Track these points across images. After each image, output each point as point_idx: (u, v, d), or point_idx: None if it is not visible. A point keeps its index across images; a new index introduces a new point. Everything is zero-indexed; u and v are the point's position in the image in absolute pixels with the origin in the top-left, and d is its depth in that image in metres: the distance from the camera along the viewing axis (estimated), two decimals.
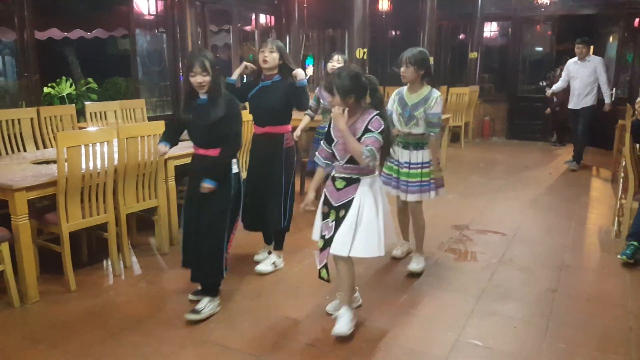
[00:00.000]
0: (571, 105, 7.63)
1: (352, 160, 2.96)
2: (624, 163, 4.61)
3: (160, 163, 4.13)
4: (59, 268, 3.64)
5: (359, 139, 2.90)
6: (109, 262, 4.00)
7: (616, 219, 4.78)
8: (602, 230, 4.97)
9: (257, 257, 4.13)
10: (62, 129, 5.18)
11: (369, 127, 2.90)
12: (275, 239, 4.09)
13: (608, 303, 3.53)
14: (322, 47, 11.59)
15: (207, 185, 3.14)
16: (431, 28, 8.28)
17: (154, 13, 7.18)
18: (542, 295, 3.62)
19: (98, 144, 3.62)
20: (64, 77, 6.53)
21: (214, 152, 3.19)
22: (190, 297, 3.48)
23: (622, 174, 4.80)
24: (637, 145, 4.51)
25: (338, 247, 2.98)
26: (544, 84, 9.44)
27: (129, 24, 6.98)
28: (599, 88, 7.43)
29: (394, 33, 12.34)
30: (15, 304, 3.38)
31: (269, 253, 4.11)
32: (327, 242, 3.03)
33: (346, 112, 2.90)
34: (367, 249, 2.99)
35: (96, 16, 9.12)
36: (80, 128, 5.31)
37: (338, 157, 3.03)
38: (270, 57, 3.72)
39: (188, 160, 4.49)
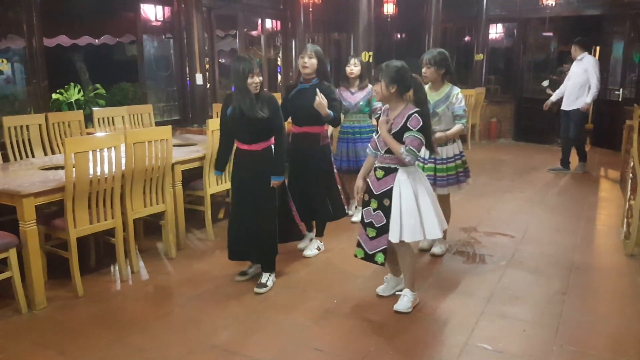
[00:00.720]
0: (563, 105, 7.50)
1: (390, 151, 3.19)
2: (632, 164, 4.57)
3: (167, 168, 4.14)
4: (67, 274, 3.65)
5: (398, 133, 3.14)
6: (117, 268, 4.00)
7: (625, 219, 4.74)
8: (611, 231, 4.93)
9: (306, 253, 4.37)
10: (70, 135, 5.21)
11: (408, 124, 3.12)
12: (317, 227, 4.44)
13: (619, 304, 3.50)
14: (327, 50, 11.61)
15: (276, 181, 3.64)
16: (436, 30, 8.27)
17: (161, 19, 7.22)
18: (552, 297, 3.59)
19: (105, 150, 3.63)
20: (72, 83, 6.55)
21: (262, 145, 3.60)
22: (238, 278, 3.86)
23: (631, 175, 4.76)
24: None
25: (391, 235, 3.20)
26: (546, 84, 9.35)
27: (136, 30, 7.03)
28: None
29: (399, 36, 12.33)
30: (23, 310, 3.38)
31: (318, 249, 4.41)
32: (382, 230, 3.25)
33: (388, 115, 3.21)
34: (412, 234, 3.20)
35: (104, 23, 9.18)
36: (88, 134, 5.33)
37: (379, 147, 3.26)
38: (309, 62, 4.01)
39: (195, 165, 4.54)
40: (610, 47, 9.71)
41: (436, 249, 4.33)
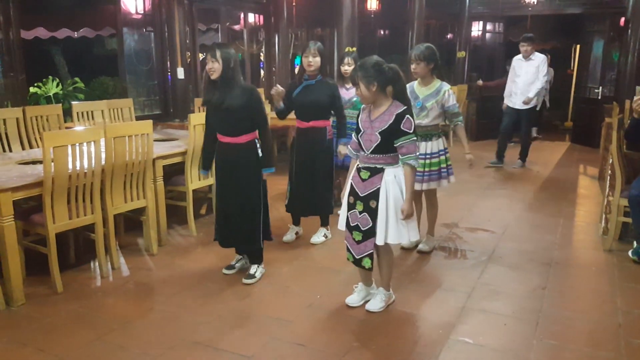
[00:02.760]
0: (511, 103, 7.56)
1: (376, 150, 3.08)
2: (610, 161, 4.65)
3: (148, 163, 4.10)
4: (46, 270, 3.59)
5: (386, 131, 3.02)
6: (97, 264, 3.95)
7: (604, 216, 4.82)
8: (589, 227, 5.01)
9: (285, 238, 4.55)
10: (48, 129, 5.13)
11: (402, 127, 3.01)
12: (321, 217, 4.59)
13: (597, 299, 3.55)
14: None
15: (268, 173, 3.67)
16: (420, 27, 8.31)
17: (142, 12, 7.14)
18: (532, 292, 3.64)
19: (85, 144, 3.57)
20: (50, 77, 6.45)
21: (245, 138, 3.57)
22: (225, 271, 3.89)
23: (609, 172, 4.84)
24: (624, 144, 4.54)
25: (378, 237, 3.13)
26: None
27: (117, 22, 6.94)
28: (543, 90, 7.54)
29: (382, 32, 12.35)
30: (1, 307, 3.33)
31: (325, 237, 4.58)
32: (368, 233, 3.15)
33: (370, 116, 3.12)
34: (399, 236, 3.15)
35: (83, 15, 9.04)
36: (67, 128, 5.25)
37: (364, 147, 3.13)
38: (314, 60, 4.17)
39: (176, 160, 4.50)
40: (590, 46, 9.86)
41: (424, 247, 4.34)
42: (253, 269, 3.79)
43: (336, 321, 3.23)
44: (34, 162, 3.95)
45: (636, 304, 3.45)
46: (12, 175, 3.50)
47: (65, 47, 9.69)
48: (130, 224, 4.60)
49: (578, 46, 11.23)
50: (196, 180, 4.68)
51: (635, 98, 4.05)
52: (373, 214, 3.12)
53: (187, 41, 7.41)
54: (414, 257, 4.26)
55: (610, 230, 4.42)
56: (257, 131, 3.64)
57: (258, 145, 3.65)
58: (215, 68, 3.43)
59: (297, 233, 4.61)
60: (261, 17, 9.36)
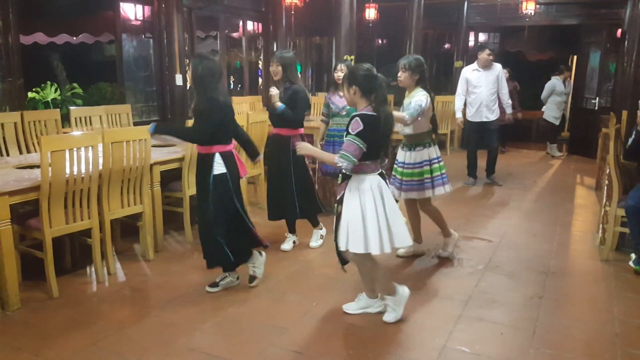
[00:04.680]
0: (475, 117, 6.94)
1: None
2: (607, 171, 4.66)
3: (145, 168, 4.09)
4: (42, 275, 3.57)
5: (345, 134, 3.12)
6: (93, 269, 3.93)
7: (600, 225, 4.83)
8: (586, 236, 5.02)
9: (283, 247, 4.53)
10: (46, 134, 5.11)
11: (349, 128, 3.07)
12: (310, 220, 4.62)
13: (594, 308, 3.55)
14: (309, 54, 11.62)
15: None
16: (417, 37, 8.35)
17: (141, 18, 7.16)
18: (529, 300, 3.64)
19: (83, 149, 3.57)
20: (48, 82, 6.44)
21: (205, 150, 3.53)
22: (208, 289, 3.73)
23: (606, 182, 4.86)
24: (621, 154, 4.56)
25: (338, 242, 3.17)
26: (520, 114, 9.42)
27: (116, 29, 6.95)
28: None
29: (380, 41, 12.42)
30: None
31: (294, 243, 4.61)
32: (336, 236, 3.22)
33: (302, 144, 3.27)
34: (353, 244, 3.09)
35: (82, 21, 9.04)
36: (65, 133, 5.24)
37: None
38: (276, 70, 4.26)
39: (173, 166, 4.51)
40: (587, 57, 9.91)
41: (441, 252, 4.42)
42: (220, 276, 3.76)
43: (332, 329, 3.22)
44: (31, 167, 3.94)
45: (633, 314, 3.46)
46: (9, 179, 3.49)
47: (64, 53, 9.67)
48: (127, 229, 4.58)
49: (575, 57, 11.28)
50: (193, 186, 4.67)
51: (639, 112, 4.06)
52: (338, 218, 3.20)
53: (186, 48, 7.43)
54: (411, 265, 4.25)
55: (607, 240, 4.43)
56: (215, 146, 3.52)
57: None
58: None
59: (294, 242, 4.60)
60: (260, 25, 9.40)
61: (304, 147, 3.25)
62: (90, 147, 3.61)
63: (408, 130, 4.12)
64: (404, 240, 3.18)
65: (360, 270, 3.34)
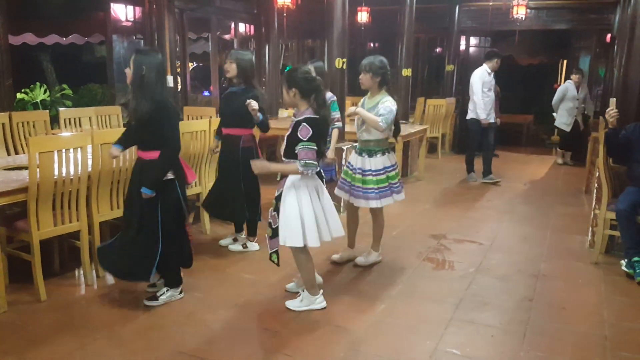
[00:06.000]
0: (492, 118, 7.42)
1: (285, 154, 3.24)
2: (597, 174, 4.69)
3: None
4: (29, 277, 3.53)
5: (290, 136, 3.18)
6: (81, 272, 3.89)
7: (590, 229, 4.85)
8: (576, 240, 5.04)
9: (222, 242, 4.62)
10: (35, 135, 5.06)
11: (299, 134, 3.13)
12: (248, 228, 4.54)
13: (584, 312, 3.56)
14: (301, 57, 11.62)
15: (144, 193, 3.27)
16: (409, 40, 8.35)
17: (132, 19, 7.13)
18: (519, 303, 3.64)
19: (71, 150, 3.54)
20: (38, 83, 6.40)
21: (149, 155, 3.29)
22: (148, 289, 3.65)
23: (596, 185, 4.89)
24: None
25: (280, 237, 3.28)
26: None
27: (106, 30, 6.93)
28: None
29: (372, 45, 12.45)
30: None
31: (234, 240, 4.60)
32: (275, 231, 3.31)
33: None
34: (290, 239, 3.23)
35: (72, 22, 8.98)
36: (54, 134, 5.19)
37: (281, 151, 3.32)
38: (229, 67, 4.17)
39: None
40: (577, 62, 10.01)
41: (361, 260, 4.21)
42: (160, 290, 3.53)
43: (323, 331, 3.21)
44: (19, 168, 3.89)
45: (623, 317, 3.47)
46: None
47: (54, 54, 9.61)
48: (116, 231, 4.52)
49: (565, 62, 11.38)
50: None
51: (608, 109, 4.09)
52: (278, 214, 3.29)
53: (177, 49, 7.40)
54: (401, 268, 4.24)
55: (597, 243, 4.45)
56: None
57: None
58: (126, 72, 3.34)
59: (234, 239, 4.60)
60: (252, 27, 9.39)
61: (258, 167, 3.27)
62: (79, 149, 3.58)
63: (367, 135, 4.00)
64: (339, 231, 3.40)
65: (299, 264, 3.41)
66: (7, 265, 3.60)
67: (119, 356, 2.89)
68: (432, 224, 5.42)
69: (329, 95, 4.68)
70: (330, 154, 4.36)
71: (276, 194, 3.35)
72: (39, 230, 3.46)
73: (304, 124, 3.11)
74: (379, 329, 3.26)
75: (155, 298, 3.49)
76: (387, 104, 3.89)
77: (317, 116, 3.17)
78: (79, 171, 3.59)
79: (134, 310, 3.47)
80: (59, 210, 3.56)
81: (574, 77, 8.83)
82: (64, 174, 3.49)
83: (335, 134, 4.71)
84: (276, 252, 3.41)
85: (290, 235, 3.23)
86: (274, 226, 3.34)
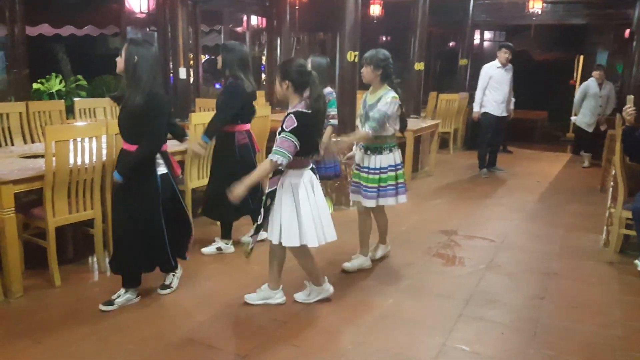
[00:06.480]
0: (497, 112, 7.42)
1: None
2: (613, 172, 4.65)
3: None
4: (44, 263, 3.59)
5: (280, 131, 3.07)
6: (95, 259, 3.95)
7: (605, 227, 4.81)
8: (590, 238, 4.99)
9: (243, 238, 4.45)
10: (50, 124, 5.12)
11: (283, 125, 3.05)
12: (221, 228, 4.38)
13: (595, 311, 3.54)
14: (312, 50, 11.60)
15: (115, 177, 3.22)
16: (422, 34, 8.31)
17: (146, 11, 7.16)
18: (530, 301, 3.63)
19: (87, 139, 3.58)
20: (53, 74, 6.47)
21: (129, 147, 3.21)
22: (160, 291, 3.57)
23: (612, 183, 4.84)
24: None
25: (269, 235, 3.23)
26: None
27: (120, 21, 6.96)
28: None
29: (385, 38, 12.39)
30: None
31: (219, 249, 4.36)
32: (259, 228, 3.26)
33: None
34: (288, 239, 3.16)
35: (88, 13, 9.05)
36: (69, 124, 5.25)
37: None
38: (218, 60, 4.06)
39: (176, 158, 4.46)
40: (593, 57, 9.87)
41: (347, 264, 4.02)
42: (119, 292, 3.38)
43: (331, 324, 3.23)
44: (35, 156, 3.95)
45: (635, 317, 3.45)
46: (13, 168, 3.50)
47: (69, 45, 9.69)
48: None
49: (581, 57, 11.23)
50: (195, 179, 4.68)
51: (625, 107, 4.04)
52: (267, 210, 3.20)
53: (190, 42, 7.41)
54: (410, 263, 4.24)
55: (612, 242, 4.41)
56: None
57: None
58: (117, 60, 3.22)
59: (218, 249, 4.32)
60: (264, 20, 9.39)
61: (235, 194, 3.09)
62: (94, 138, 3.62)
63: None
64: (332, 235, 3.28)
65: (300, 262, 3.38)
66: (23, 251, 3.67)
67: (129, 342, 2.93)
68: (442, 220, 5.41)
69: (327, 90, 4.53)
70: (321, 150, 4.07)
71: (267, 191, 3.20)
72: (54, 217, 3.51)
73: (291, 115, 3.04)
74: (386, 323, 3.27)
75: (110, 302, 3.31)
76: (384, 102, 3.72)
77: (308, 111, 3.07)
78: (94, 160, 3.63)
79: (145, 298, 3.51)
80: (74, 198, 3.61)
81: (596, 73, 8.30)
82: (79, 163, 3.54)
83: (328, 131, 4.52)
84: (253, 247, 3.33)
85: (287, 235, 3.15)
86: (259, 222, 3.25)
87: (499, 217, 5.69)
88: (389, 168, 3.87)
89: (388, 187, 3.88)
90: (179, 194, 3.45)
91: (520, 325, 3.28)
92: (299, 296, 3.49)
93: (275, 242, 3.21)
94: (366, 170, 3.89)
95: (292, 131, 3.00)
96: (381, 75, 3.78)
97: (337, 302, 3.48)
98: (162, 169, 3.28)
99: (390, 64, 3.81)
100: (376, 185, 3.86)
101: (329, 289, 3.49)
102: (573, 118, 8.54)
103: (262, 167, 3.11)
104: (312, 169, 3.26)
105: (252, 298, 3.44)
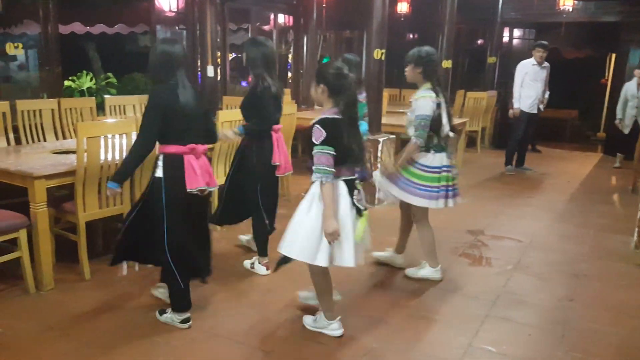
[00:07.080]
0: (529, 109, 7.40)
1: (311, 159, 2.85)
2: None
3: None
4: (75, 257, 3.67)
5: (310, 141, 2.81)
6: None
7: (636, 229, 4.70)
8: (620, 240, 4.88)
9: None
10: (81, 121, 5.23)
11: (313, 138, 2.78)
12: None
13: (626, 314, 3.46)
14: (339, 48, 11.59)
15: (108, 187, 3.07)
16: (450, 32, 8.22)
17: (175, 10, 7.25)
18: (558, 303, 3.57)
19: (117, 136, 3.64)
20: (84, 71, 6.61)
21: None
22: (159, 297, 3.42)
23: None
24: None
25: (282, 245, 2.93)
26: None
27: (150, 20, 7.06)
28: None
29: (412, 36, 12.29)
30: (31, 290, 3.41)
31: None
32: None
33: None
34: (302, 253, 2.87)
35: (118, 12, 9.22)
36: (100, 121, 5.35)
37: None
38: (244, 56, 3.83)
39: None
40: (626, 56, 9.62)
41: (410, 270, 3.88)
42: (166, 312, 3.18)
43: (355, 321, 3.22)
44: (67, 152, 4.03)
45: None
46: (46, 163, 3.58)
47: (100, 43, 9.89)
48: None
49: (613, 55, 10.95)
50: (222, 175, 4.71)
51: None
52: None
53: (218, 40, 7.48)
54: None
55: None
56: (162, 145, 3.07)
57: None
58: None
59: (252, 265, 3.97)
60: (291, 18, 9.41)
61: (332, 230, 2.76)
62: (124, 135, 3.68)
63: (411, 132, 3.64)
64: (348, 260, 2.85)
65: (314, 281, 3.04)
66: (54, 245, 3.76)
67: (156, 335, 2.98)
68: (469, 219, 5.35)
69: (362, 95, 4.36)
70: (388, 167, 3.77)
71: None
72: (85, 212, 3.58)
73: (316, 126, 2.77)
74: (412, 322, 3.25)
75: (163, 311, 3.19)
76: (418, 104, 3.54)
77: (338, 117, 2.80)
78: (124, 156, 3.68)
79: None
80: (104, 193, 3.67)
81: (637, 72, 7.86)
82: (109, 159, 3.60)
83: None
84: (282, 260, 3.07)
85: (302, 248, 2.85)
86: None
87: (527, 217, 5.61)
88: (435, 169, 3.64)
89: (433, 188, 3.64)
90: (167, 211, 2.97)
91: (549, 327, 3.23)
92: (307, 319, 3.16)
93: (281, 251, 2.94)
94: (428, 169, 3.63)
95: (323, 143, 2.75)
96: (423, 73, 3.60)
97: (363, 300, 3.47)
98: (158, 172, 2.97)
99: (432, 61, 3.61)
100: (442, 184, 3.62)
101: (336, 330, 3.05)
102: (617, 122, 8.23)
103: (323, 193, 2.78)
104: (351, 180, 2.90)
105: (306, 322, 3.14)
